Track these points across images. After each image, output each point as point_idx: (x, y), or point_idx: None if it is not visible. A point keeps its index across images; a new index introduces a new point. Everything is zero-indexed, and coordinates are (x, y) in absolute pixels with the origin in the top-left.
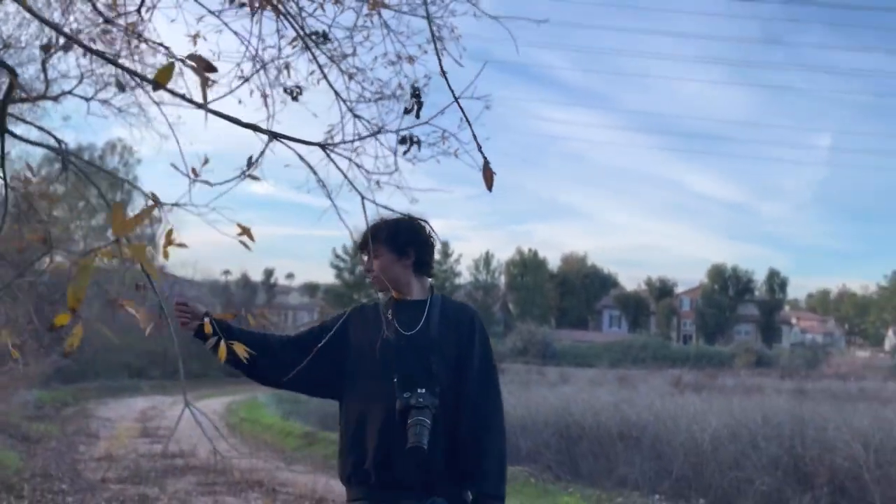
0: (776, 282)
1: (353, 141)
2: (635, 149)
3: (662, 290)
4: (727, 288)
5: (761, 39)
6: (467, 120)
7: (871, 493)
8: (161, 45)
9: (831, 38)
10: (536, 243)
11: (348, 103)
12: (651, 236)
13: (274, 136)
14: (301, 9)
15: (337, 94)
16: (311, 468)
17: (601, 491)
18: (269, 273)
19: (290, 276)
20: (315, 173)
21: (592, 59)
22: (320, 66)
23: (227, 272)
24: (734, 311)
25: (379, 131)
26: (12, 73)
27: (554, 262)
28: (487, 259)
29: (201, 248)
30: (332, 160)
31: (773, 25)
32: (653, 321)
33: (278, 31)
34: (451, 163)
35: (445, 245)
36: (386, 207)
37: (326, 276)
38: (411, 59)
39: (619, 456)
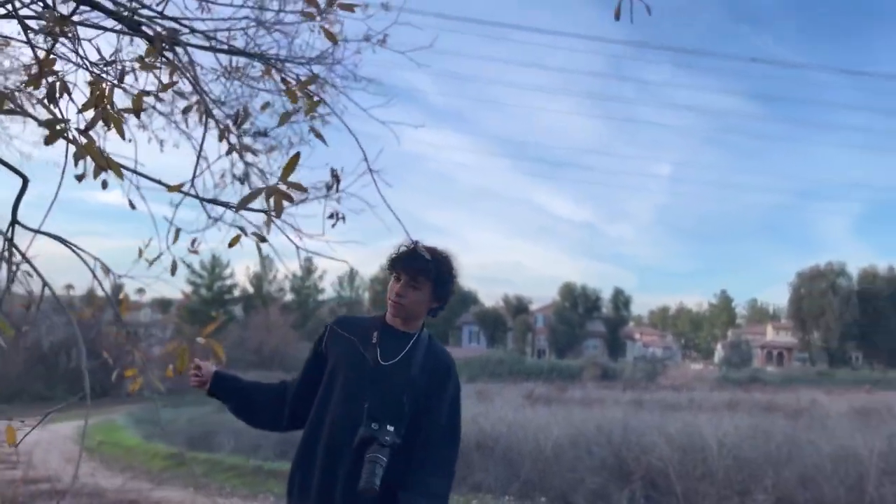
0: (621, 300)
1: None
2: (497, 171)
3: (518, 307)
4: (577, 305)
5: (613, 75)
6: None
7: (674, 486)
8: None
9: (676, 77)
10: None
11: (243, 157)
12: (510, 255)
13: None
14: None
15: (231, 145)
16: (184, 486)
17: (459, 495)
18: (117, 288)
19: (140, 290)
20: (260, 248)
21: (457, 84)
22: (217, 122)
23: (69, 287)
24: (583, 327)
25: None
26: (24, 178)
27: None
28: (352, 275)
29: (40, 260)
30: (276, 226)
31: (624, 63)
32: (510, 337)
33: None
34: (312, 176)
35: (309, 261)
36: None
37: (178, 292)
38: (296, 111)
39: (475, 463)
